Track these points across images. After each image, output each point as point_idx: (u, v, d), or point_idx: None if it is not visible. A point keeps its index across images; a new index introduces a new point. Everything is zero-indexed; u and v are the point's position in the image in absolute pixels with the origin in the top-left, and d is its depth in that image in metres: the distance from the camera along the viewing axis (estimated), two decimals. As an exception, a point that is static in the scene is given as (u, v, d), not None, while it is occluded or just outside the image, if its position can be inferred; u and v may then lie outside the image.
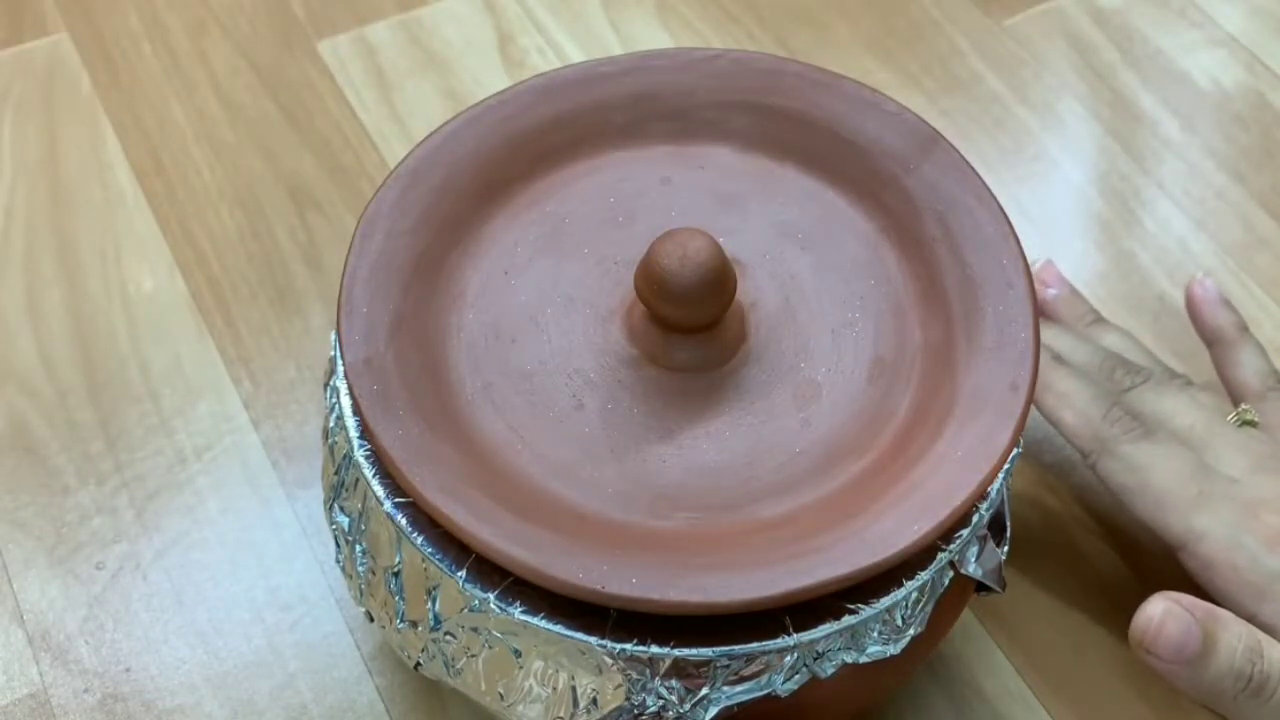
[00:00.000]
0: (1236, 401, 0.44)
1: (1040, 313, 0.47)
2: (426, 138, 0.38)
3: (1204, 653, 0.38)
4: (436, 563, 0.33)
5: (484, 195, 0.38)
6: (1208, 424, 0.42)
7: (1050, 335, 0.45)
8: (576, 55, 0.60)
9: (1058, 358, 0.44)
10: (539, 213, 0.38)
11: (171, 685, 0.42)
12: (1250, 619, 0.39)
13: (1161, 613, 0.38)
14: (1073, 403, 0.42)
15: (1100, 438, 0.41)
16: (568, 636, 0.32)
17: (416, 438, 0.33)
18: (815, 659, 0.33)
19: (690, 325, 0.35)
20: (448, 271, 0.37)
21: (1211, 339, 0.46)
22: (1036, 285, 0.48)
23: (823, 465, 0.34)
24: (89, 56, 0.59)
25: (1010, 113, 0.59)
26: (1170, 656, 0.38)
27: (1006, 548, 0.37)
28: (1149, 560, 0.46)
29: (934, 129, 0.39)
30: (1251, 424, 0.43)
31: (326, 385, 0.38)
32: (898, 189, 0.38)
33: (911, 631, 0.34)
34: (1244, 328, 0.46)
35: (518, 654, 0.33)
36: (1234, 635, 0.38)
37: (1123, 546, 0.46)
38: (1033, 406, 0.43)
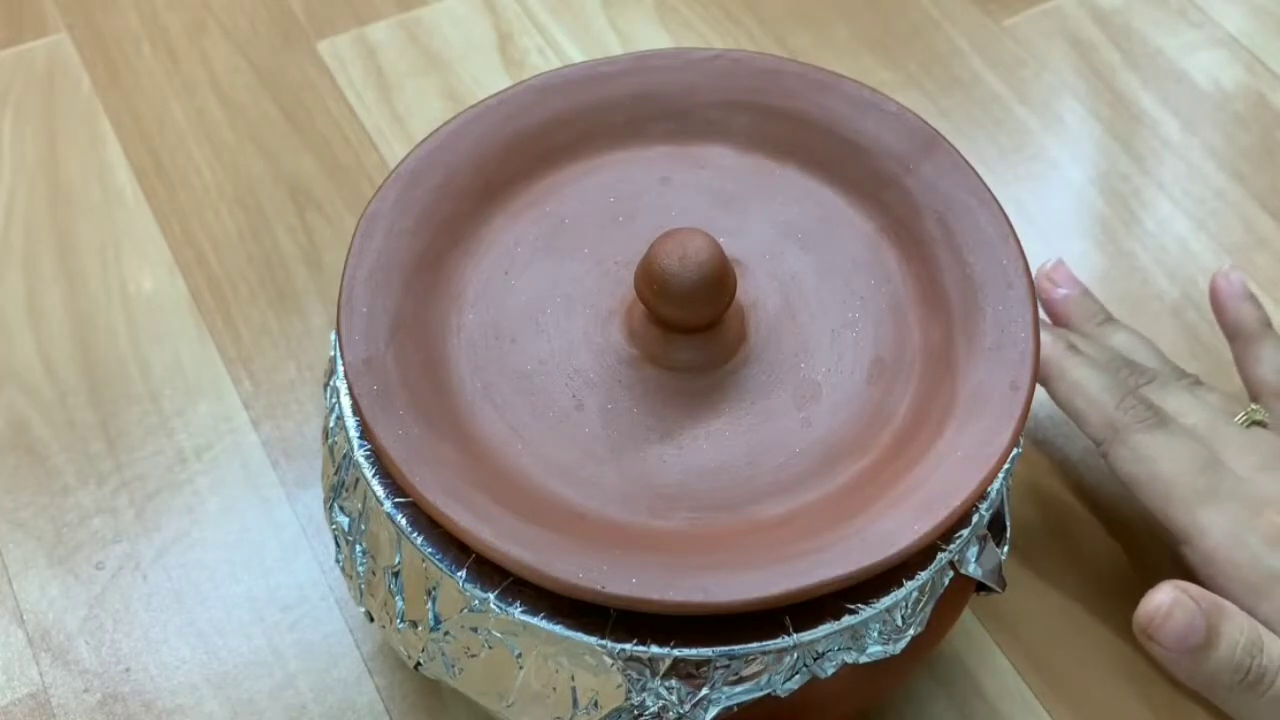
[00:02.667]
0: (1254, 397, 0.44)
1: (1051, 312, 0.48)
2: (426, 138, 0.38)
3: (1206, 644, 0.38)
4: (436, 563, 0.33)
5: (484, 195, 0.38)
6: (1212, 423, 0.42)
7: (1053, 330, 0.45)
8: (576, 55, 0.60)
9: (1073, 347, 0.43)
10: (539, 213, 0.38)
11: (171, 685, 0.42)
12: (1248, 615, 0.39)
13: (1170, 602, 0.38)
14: (1086, 390, 0.42)
15: (1113, 425, 0.41)
16: (568, 636, 0.32)
17: (416, 438, 0.33)
18: (815, 659, 0.33)
19: (690, 325, 0.35)
20: (448, 271, 0.37)
21: (1233, 333, 0.46)
22: (1047, 284, 0.48)
23: (823, 465, 0.34)
24: (89, 56, 0.59)
25: (1010, 113, 0.59)
26: (1173, 645, 0.38)
27: (1006, 548, 0.37)
28: (1149, 558, 0.46)
29: (934, 129, 0.39)
30: (1260, 424, 0.43)
31: (326, 385, 0.38)
32: (898, 189, 0.38)
33: (911, 631, 0.34)
34: (1267, 323, 0.46)
35: (518, 654, 0.33)
36: (1236, 629, 0.38)
37: (1125, 543, 0.46)
38: (1043, 394, 0.43)
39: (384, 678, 0.43)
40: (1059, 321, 0.48)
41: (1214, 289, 0.47)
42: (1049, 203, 0.56)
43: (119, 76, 0.59)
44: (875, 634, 0.33)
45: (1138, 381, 0.43)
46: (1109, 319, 0.47)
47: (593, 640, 0.32)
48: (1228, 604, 0.39)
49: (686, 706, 0.33)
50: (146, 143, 0.56)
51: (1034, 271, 0.47)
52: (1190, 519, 0.40)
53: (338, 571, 0.42)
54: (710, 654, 0.32)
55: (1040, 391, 0.48)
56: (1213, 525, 0.40)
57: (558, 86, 0.40)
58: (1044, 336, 0.43)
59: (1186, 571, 0.41)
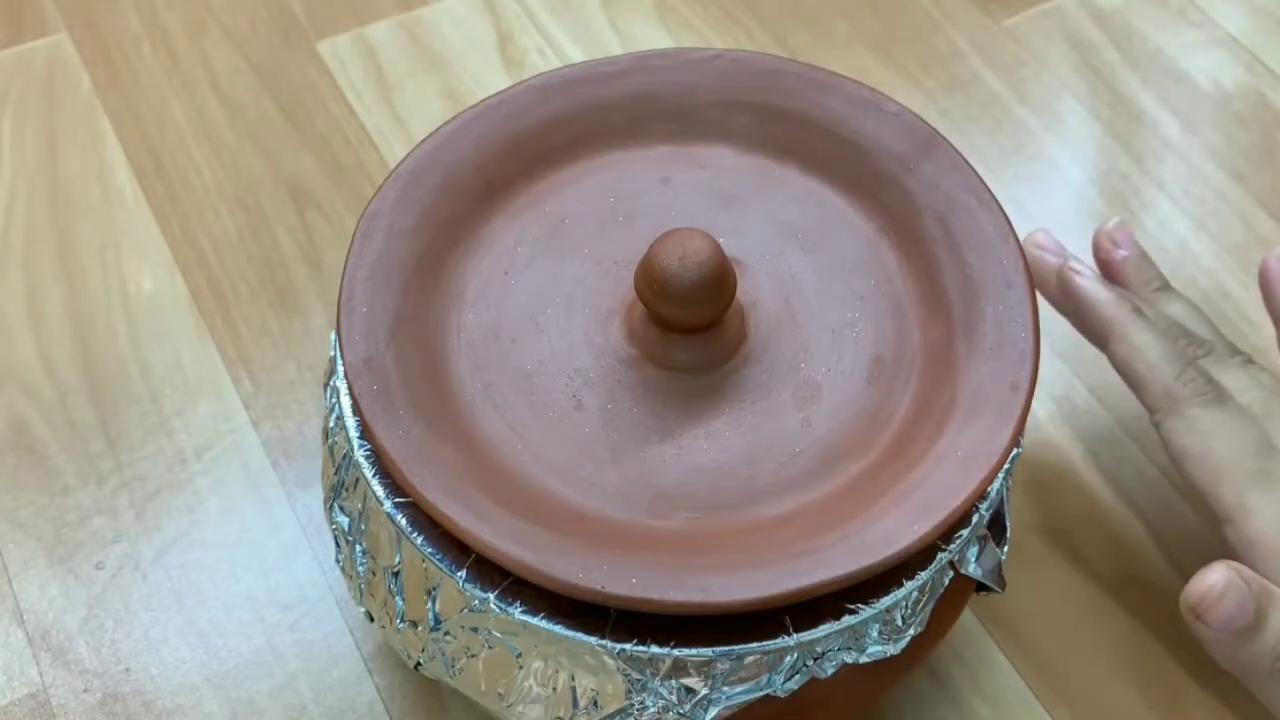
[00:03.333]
0: None
1: (1108, 273, 0.46)
2: (426, 138, 0.38)
3: (1252, 627, 0.37)
4: (436, 563, 0.33)
5: (484, 195, 0.38)
6: (1266, 405, 0.41)
7: (1119, 291, 0.44)
8: (576, 55, 0.60)
9: (1137, 310, 0.43)
10: (539, 213, 0.38)
11: (171, 685, 0.42)
12: None
13: (1224, 583, 0.37)
14: (1147, 356, 0.41)
15: (1172, 395, 0.41)
16: (568, 636, 0.32)
17: (416, 438, 0.33)
18: (815, 659, 0.33)
19: (690, 325, 0.35)
20: (448, 271, 0.37)
21: (1279, 317, 0.45)
22: (1108, 244, 0.47)
23: (823, 465, 0.34)
24: (89, 56, 0.59)
25: (1010, 113, 0.59)
26: (1220, 626, 0.37)
27: (1006, 548, 0.37)
28: (1149, 559, 0.46)
29: (934, 129, 0.39)
30: None
31: (326, 385, 0.38)
32: (898, 189, 0.38)
33: (911, 631, 0.34)
34: None
35: (518, 654, 0.33)
36: None
37: (1125, 543, 0.46)
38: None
39: (384, 678, 0.43)
40: (1115, 283, 0.46)
41: (1264, 270, 0.46)
42: (1049, 203, 0.56)
43: (119, 76, 0.59)
44: (875, 634, 0.33)
45: (1195, 353, 0.42)
46: (1165, 286, 0.46)
47: (593, 640, 0.32)
48: (1276, 590, 0.38)
49: (686, 706, 0.33)
50: (146, 143, 0.56)
51: (1094, 232, 0.47)
52: (1239, 500, 0.39)
53: (338, 571, 0.42)
54: (710, 654, 0.32)
55: (1040, 391, 0.48)
56: (1261, 509, 0.39)
57: (558, 86, 0.40)
58: (1108, 296, 0.43)
59: (1224, 552, 0.40)
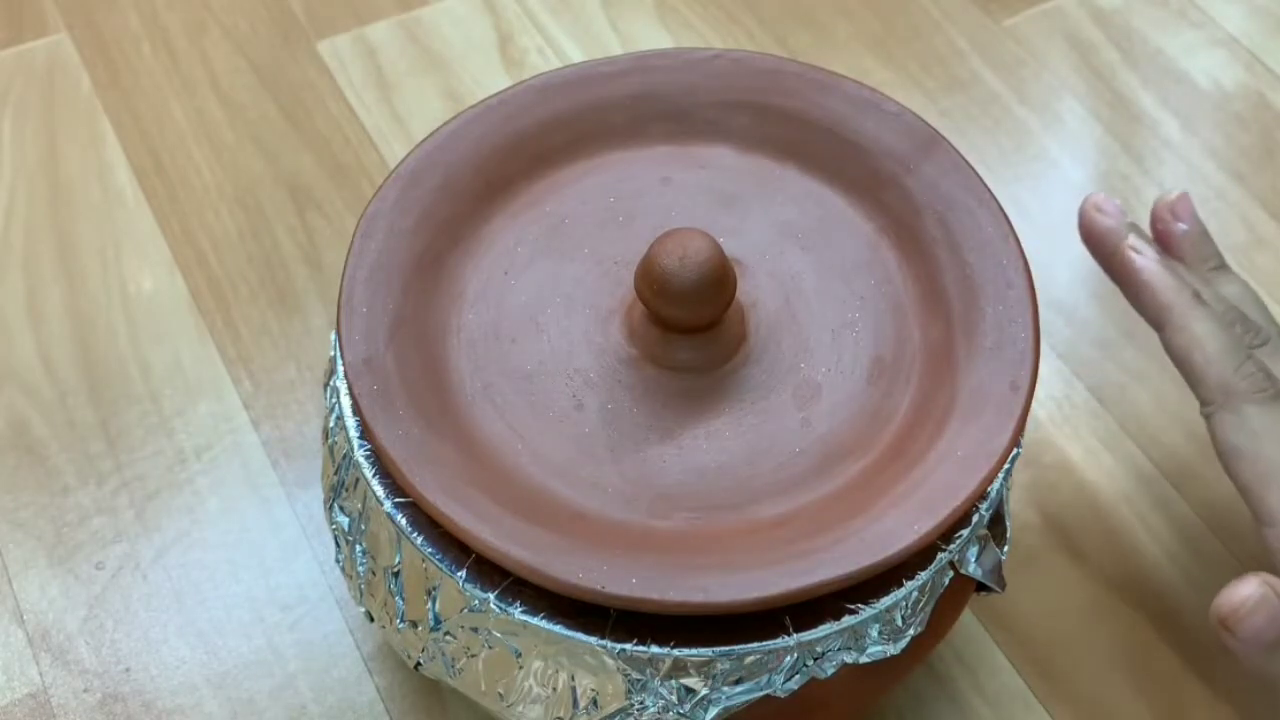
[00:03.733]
0: None
1: (1166, 245, 0.44)
2: (426, 138, 0.38)
3: None
4: (436, 563, 0.33)
5: (484, 195, 0.38)
6: None
7: (1179, 272, 0.42)
8: (576, 55, 0.60)
9: (1198, 295, 0.41)
10: (539, 213, 0.38)
11: (171, 685, 0.42)
12: None
13: (1257, 598, 0.37)
14: (1204, 346, 0.40)
15: (1228, 390, 0.39)
16: (568, 636, 0.32)
17: (416, 438, 0.33)
18: (815, 659, 0.33)
19: (690, 325, 0.35)
20: (448, 271, 0.37)
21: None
22: (1168, 216, 0.45)
23: (823, 465, 0.34)
24: (89, 56, 0.59)
25: (1010, 113, 0.59)
26: (1249, 639, 0.37)
27: (1007, 548, 0.37)
28: (1150, 558, 0.46)
29: (934, 129, 0.39)
30: None
31: (326, 385, 0.38)
32: (898, 189, 0.38)
33: (911, 631, 0.34)
34: None
35: (518, 654, 0.33)
36: None
37: (1125, 543, 0.46)
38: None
39: (384, 678, 0.43)
40: (1171, 257, 0.44)
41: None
42: (1049, 203, 0.56)
43: (119, 76, 0.59)
44: (875, 634, 0.33)
45: (1252, 341, 0.41)
46: (1222, 265, 0.45)
47: (593, 640, 0.32)
48: None
49: (686, 706, 0.33)
50: (146, 143, 0.56)
51: (1153, 215, 0.45)
52: None
53: (338, 571, 0.43)
54: (710, 654, 0.32)
55: (1040, 391, 0.48)
56: None
57: (558, 86, 0.40)
58: (1170, 280, 0.41)
59: (1265, 548, 0.39)
